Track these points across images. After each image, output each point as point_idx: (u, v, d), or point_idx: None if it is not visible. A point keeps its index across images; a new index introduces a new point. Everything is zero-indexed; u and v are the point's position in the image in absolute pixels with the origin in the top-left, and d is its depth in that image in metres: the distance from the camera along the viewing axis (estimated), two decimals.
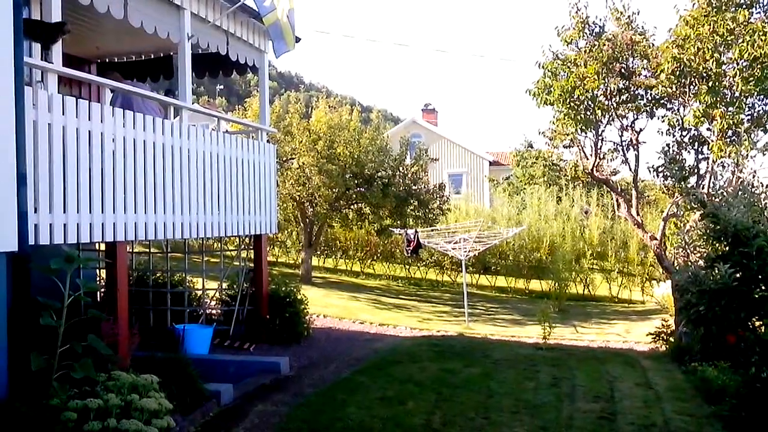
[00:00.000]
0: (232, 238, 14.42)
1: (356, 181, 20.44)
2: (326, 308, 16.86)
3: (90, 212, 7.62)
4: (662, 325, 14.19)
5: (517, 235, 23.44)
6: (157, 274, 12.26)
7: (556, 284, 21.66)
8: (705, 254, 7.01)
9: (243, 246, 12.55)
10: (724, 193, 9.72)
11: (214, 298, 12.61)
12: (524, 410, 8.27)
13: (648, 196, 25.89)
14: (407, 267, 25.12)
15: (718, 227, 6.41)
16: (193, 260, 15.96)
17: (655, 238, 14.65)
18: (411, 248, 18.74)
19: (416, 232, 19.00)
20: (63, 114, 7.24)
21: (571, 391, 9.33)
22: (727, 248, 6.53)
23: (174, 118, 9.73)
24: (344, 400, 8.24)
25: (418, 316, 17.75)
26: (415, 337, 14.09)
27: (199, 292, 12.48)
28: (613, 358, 12.23)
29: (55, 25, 7.19)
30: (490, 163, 45.32)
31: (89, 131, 7.64)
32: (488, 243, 19.89)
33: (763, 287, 6.33)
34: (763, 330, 7.76)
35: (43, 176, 6.92)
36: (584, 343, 14.50)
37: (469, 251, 18.54)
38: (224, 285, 12.43)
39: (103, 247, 8.70)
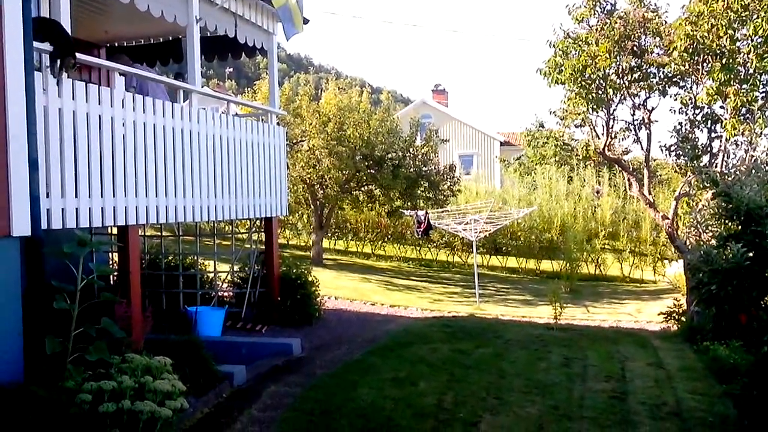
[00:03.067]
0: (243, 221, 14.47)
1: (366, 163, 20.42)
2: (337, 290, 16.94)
3: (102, 196, 7.66)
4: (674, 304, 14.17)
5: (528, 216, 23.39)
6: (170, 258, 12.32)
7: (568, 264, 21.64)
8: (717, 233, 6.95)
9: (254, 229, 12.59)
10: (737, 172, 9.63)
11: (226, 281, 12.69)
12: (536, 390, 8.29)
13: (660, 176, 25.74)
14: (418, 248, 25.14)
15: (731, 206, 6.35)
16: (205, 243, 16.02)
17: (667, 218, 14.58)
18: (421, 230, 18.76)
19: (426, 213, 19.01)
20: (73, 99, 7.24)
21: (583, 371, 9.35)
22: (740, 227, 6.48)
23: (184, 101, 9.73)
24: (356, 381, 8.29)
25: (429, 297, 17.80)
26: (427, 318, 14.14)
27: (211, 275, 12.55)
28: (625, 338, 12.23)
29: (66, 46, 6.99)
30: (501, 144, 45.10)
31: (99, 116, 7.65)
32: (499, 224, 19.87)
33: None
34: None
35: (54, 161, 6.95)
36: (595, 323, 14.51)
37: (479, 232, 18.53)
38: (236, 267, 12.49)
39: (115, 231, 8.75)
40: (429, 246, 24.88)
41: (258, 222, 12.50)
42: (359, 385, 8.09)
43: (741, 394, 7.25)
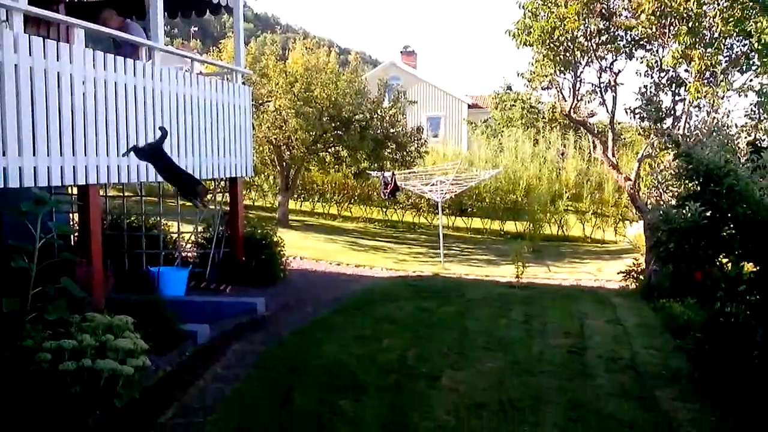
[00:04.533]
0: (207, 182, 14.26)
1: (333, 124, 20.27)
2: (303, 251, 16.93)
3: (61, 155, 7.47)
4: (633, 264, 14.50)
5: (493, 178, 23.56)
6: (132, 218, 12.15)
7: (531, 225, 21.92)
8: (677, 193, 7.09)
9: (219, 189, 12.46)
10: (698, 134, 9.80)
11: (190, 241, 12.58)
12: (497, 346, 8.47)
13: (624, 139, 25.99)
14: (384, 210, 25.20)
15: (691, 166, 6.46)
16: (168, 204, 15.84)
17: (630, 179, 14.82)
18: (388, 191, 18.78)
19: (393, 174, 19.01)
20: (30, 55, 7.01)
21: (543, 328, 9.56)
22: (699, 187, 6.60)
23: (147, 60, 9.49)
24: (321, 338, 8.37)
25: (395, 257, 17.92)
26: (392, 277, 14.26)
27: (175, 236, 12.43)
28: (585, 296, 12.51)
29: None
30: (469, 106, 45.10)
31: (58, 72, 7.42)
32: (465, 185, 19.98)
33: (731, 225, 6.44)
34: (729, 267, 7.95)
35: (11, 119, 6.74)
36: (557, 282, 14.79)
37: (445, 193, 18.62)
38: (200, 228, 12.39)
39: (75, 191, 8.59)
40: (395, 207, 24.94)
41: (223, 182, 12.37)
42: (324, 342, 8.16)
43: (694, 348, 7.50)
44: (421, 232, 23.55)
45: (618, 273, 14.54)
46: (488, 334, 9.04)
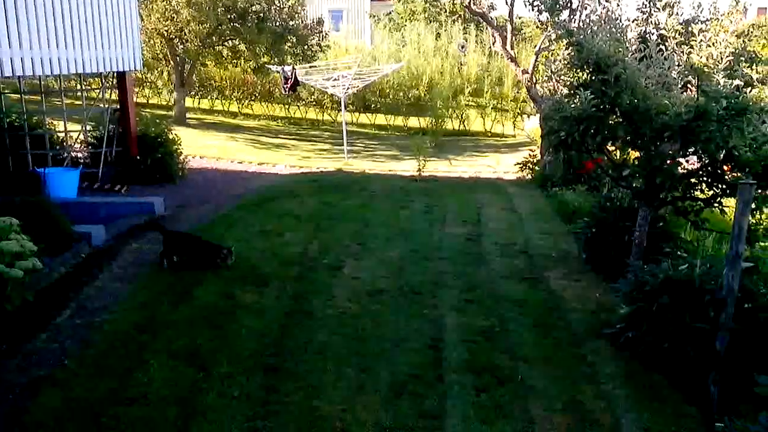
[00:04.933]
0: (94, 78, 13.43)
1: (229, 16, 19.23)
2: (203, 149, 16.45)
3: None
4: (529, 155, 15.00)
5: (396, 73, 23.32)
6: (12, 117, 11.33)
7: (434, 120, 22.05)
8: (569, 83, 7.24)
9: (107, 84, 11.74)
10: (591, 25, 9.96)
11: (79, 140, 11.93)
12: (398, 236, 8.68)
13: (524, 33, 26.23)
14: (287, 106, 24.62)
15: (582, 55, 6.58)
16: (54, 102, 14.85)
17: (527, 72, 15.05)
18: (288, 86, 18.28)
19: (293, 69, 18.46)
20: None
21: (442, 218, 9.85)
22: (589, 76, 6.76)
23: None
24: (222, 234, 8.28)
25: (298, 154, 17.73)
26: (295, 174, 14.16)
27: (62, 135, 11.75)
28: (483, 186, 12.91)
29: None
30: None
31: None
32: (368, 80, 19.72)
33: (618, 112, 6.68)
34: (618, 154, 8.35)
35: None
36: (457, 174, 15.12)
37: (348, 88, 18.34)
38: (89, 127, 11.74)
39: None
40: (298, 104, 24.41)
41: (111, 78, 11.66)
42: (225, 238, 8.09)
43: (581, 232, 7.96)
44: (324, 128, 23.27)
45: (515, 164, 15.01)
46: (389, 225, 9.23)
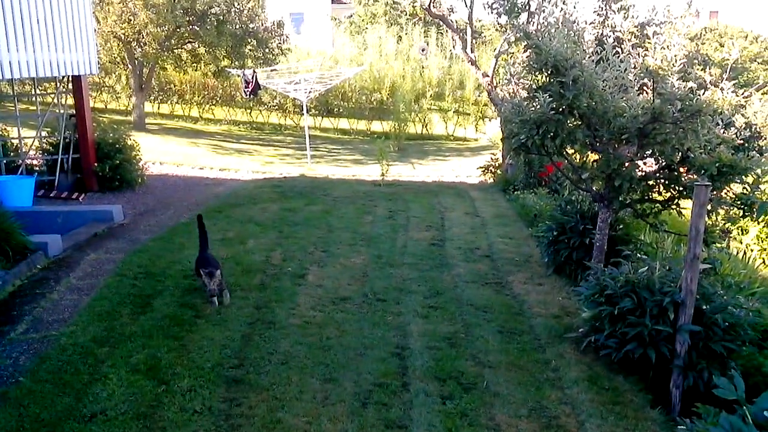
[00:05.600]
0: (50, 82, 13.05)
1: (188, 18, 18.98)
2: (163, 155, 16.20)
3: None
4: (491, 159, 15.12)
5: (359, 77, 23.31)
6: None
7: (396, 125, 22.11)
8: (528, 86, 7.29)
9: (62, 89, 11.47)
10: (549, 28, 10.08)
11: (34, 147, 11.63)
12: (361, 242, 8.64)
13: (484, 37, 26.48)
14: (249, 111, 24.42)
15: (540, 57, 6.63)
16: (7, 107, 14.48)
17: (487, 75, 15.17)
18: (250, 89, 18.13)
19: (254, 72, 18.30)
20: None
21: (406, 222, 9.85)
22: (548, 79, 6.82)
23: None
24: (182, 243, 8.15)
25: (261, 159, 17.58)
26: (257, 180, 14.02)
27: (16, 142, 11.44)
28: (446, 190, 12.96)
29: None
30: (332, 1, 43.74)
31: None
32: (330, 83, 19.67)
33: (577, 115, 6.76)
34: (577, 157, 8.45)
35: None
36: (420, 178, 15.17)
37: (310, 92, 18.26)
38: (44, 133, 11.45)
39: None
40: (260, 108, 24.23)
41: (66, 83, 11.39)
42: (186, 247, 7.96)
43: (543, 235, 8.03)
44: (287, 133, 23.16)
45: (477, 168, 15.11)
46: (353, 231, 9.19)
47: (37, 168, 11.42)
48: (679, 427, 4.11)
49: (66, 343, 5.28)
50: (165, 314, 5.92)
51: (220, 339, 5.46)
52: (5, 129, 11.93)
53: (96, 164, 11.02)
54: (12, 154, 11.31)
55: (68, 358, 5.04)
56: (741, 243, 10.30)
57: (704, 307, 4.99)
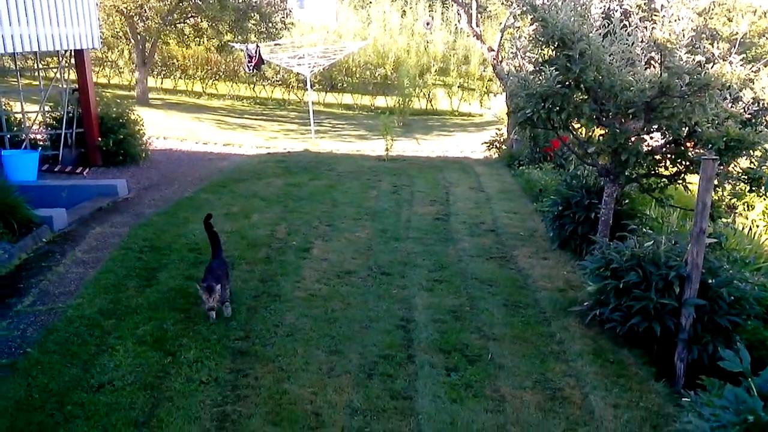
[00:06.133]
0: (54, 58, 12.98)
1: None
2: (167, 130, 16.15)
3: None
4: (496, 134, 15.04)
5: (363, 51, 23.12)
6: None
7: (401, 100, 21.97)
8: (535, 60, 7.23)
9: (64, 63, 11.41)
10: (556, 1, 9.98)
11: (38, 122, 11.61)
12: (366, 216, 8.64)
13: (489, 11, 26.19)
14: (252, 86, 24.27)
15: (547, 31, 6.56)
16: (10, 82, 14.43)
17: (493, 50, 15.04)
18: (253, 64, 17.99)
19: (257, 47, 18.16)
20: None
21: (410, 197, 9.83)
22: (554, 52, 6.75)
23: None
24: (187, 217, 8.16)
25: (265, 135, 17.51)
26: (261, 155, 13.99)
27: (19, 116, 11.41)
28: (451, 165, 12.91)
29: None
30: None
31: None
32: (333, 58, 19.50)
33: (583, 89, 6.70)
34: (583, 132, 8.40)
35: None
36: (425, 154, 15.10)
37: (314, 67, 18.13)
38: (47, 107, 11.41)
39: None
40: (263, 83, 24.07)
41: (69, 57, 11.33)
42: (191, 221, 7.97)
43: (548, 210, 8.01)
44: (291, 108, 23.03)
45: (482, 143, 15.04)
46: (358, 205, 9.18)
47: (41, 142, 11.41)
48: (683, 399, 4.14)
49: (73, 315, 5.31)
50: (171, 287, 5.94)
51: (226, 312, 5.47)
52: (8, 103, 11.91)
53: (100, 139, 11.01)
54: (15, 128, 11.30)
55: (75, 329, 5.07)
56: (747, 219, 10.27)
57: (710, 281, 4.99)
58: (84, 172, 10.60)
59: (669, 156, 6.71)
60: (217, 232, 6.02)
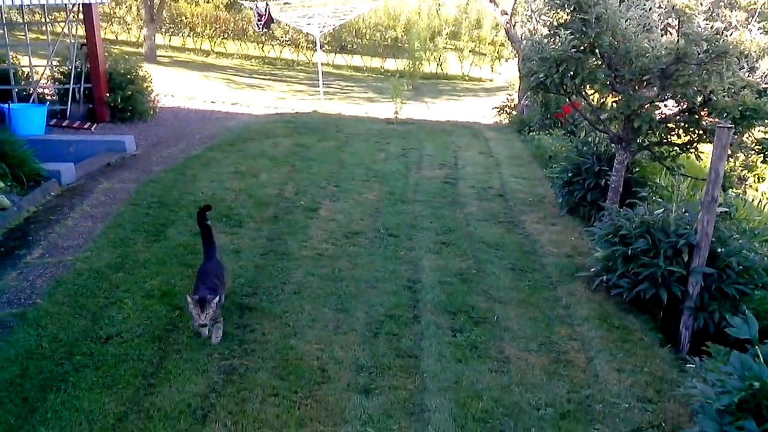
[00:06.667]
0: (62, 12, 12.85)
1: None
2: (175, 88, 16.05)
3: None
4: (507, 99, 14.90)
5: (373, 12, 22.83)
6: None
7: (411, 63, 21.75)
8: (549, 23, 7.11)
9: (72, 17, 11.27)
10: None
11: (45, 76, 11.53)
12: (374, 178, 8.61)
13: None
14: (261, 46, 24.05)
15: None
16: (17, 36, 14.30)
17: (506, 13, 14.82)
18: (262, 23, 17.79)
19: (267, 5, 17.93)
20: None
21: (419, 161, 9.79)
22: (570, 16, 6.64)
23: None
24: (195, 175, 8.15)
25: (273, 95, 17.40)
26: (269, 115, 13.90)
27: (27, 70, 11.34)
28: (460, 130, 12.82)
29: None
30: None
31: None
32: (344, 18, 19.26)
33: (598, 54, 6.60)
34: (595, 98, 8.31)
35: None
36: (434, 117, 14.99)
37: (324, 27, 17.92)
38: (55, 62, 11.32)
39: None
40: (272, 43, 23.85)
41: (77, 11, 11.19)
42: (198, 179, 7.97)
43: (557, 176, 7.96)
44: (300, 69, 22.84)
45: (492, 108, 14.91)
46: (366, 167, 9.15)
47: (49, 97, 11.35)
48: (687, 365, 4.15)
49: (81, 268, 5.34)
50: (179, 243, 5.96)
51: (234, 268, 5.49)
52: (16, 57, 11.82)
53: (108, 94, 10.94)
54: (23, 82, 11.23)
55: (84, 282, 5.11)
56: (757, 191, 10.21)
57: (719, 250, 4.97)
58: (92, 128, 10.56)
59: (682, 124, 6.63)
60: (210, 227, 4.97)
